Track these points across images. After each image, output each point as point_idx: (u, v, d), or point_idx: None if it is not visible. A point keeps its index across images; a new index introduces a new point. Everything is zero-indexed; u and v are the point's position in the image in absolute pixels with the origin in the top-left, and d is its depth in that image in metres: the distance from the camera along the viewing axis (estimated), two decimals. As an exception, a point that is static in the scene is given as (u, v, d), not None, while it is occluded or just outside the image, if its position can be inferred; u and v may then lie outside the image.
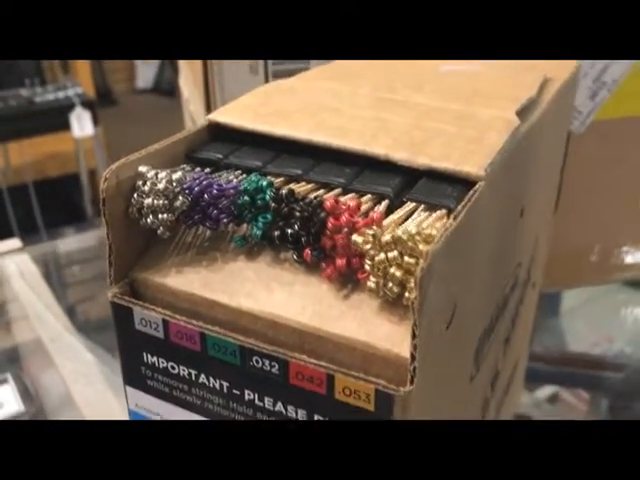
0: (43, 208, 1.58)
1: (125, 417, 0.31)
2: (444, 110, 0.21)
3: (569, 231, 0.43)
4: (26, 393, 0.53)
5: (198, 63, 0.34)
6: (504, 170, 0.19)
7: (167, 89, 2.32)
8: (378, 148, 0.18)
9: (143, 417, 0.20)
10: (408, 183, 0.18)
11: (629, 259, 0.46)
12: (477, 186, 0.17)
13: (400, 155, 0.18)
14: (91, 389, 0.38)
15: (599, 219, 0.44)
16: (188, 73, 0.44)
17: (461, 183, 0.17)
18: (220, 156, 0.20)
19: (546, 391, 0.64)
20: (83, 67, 1.75)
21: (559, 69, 0.27)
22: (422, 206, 0.17)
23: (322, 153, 0.19)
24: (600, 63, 0.38)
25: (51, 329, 0.42)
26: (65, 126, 1.46)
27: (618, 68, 0.39)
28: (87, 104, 1.49)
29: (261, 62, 0.32)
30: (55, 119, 1.46)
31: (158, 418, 0.20)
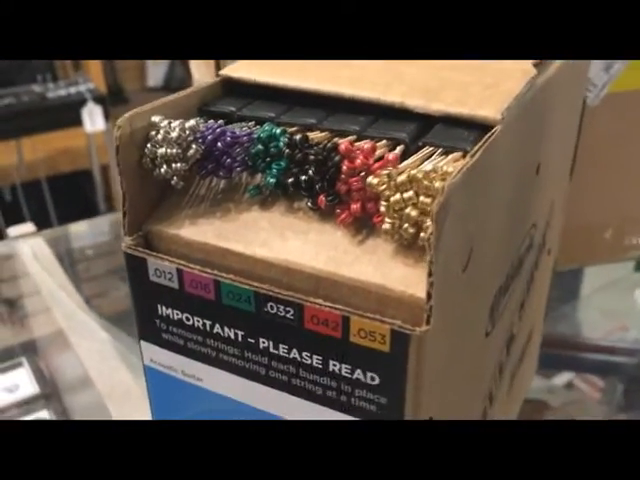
0: (56, 203, 1.59)
1: (140, 392, 0.31)
2: (459, 64, 0.21)
3: (584, 207, 0.43)
4: (41, 376, 0.53)
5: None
6: (521, 118, 0.19)
7: (177, 87, 2.32)
8: (392, 96, 0.18)
9: (158, 372, 0.20)
10: (424, 129, 0.18)
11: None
12: (495, 129, 0.17)
13: (415, 102, 0.18)
14: (106, 366, 0.38)
15: (614, 195, 0.43)
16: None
17: (478, 128, 0.17)
18: (233, 109, 0.20)
19: (562, 378, 0.63)
20: (94, 65, 1.75)
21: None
22: (438, 150, 0.17)
23: (335, 104, 0.19)
24: (615, 33, 0.38)
25: (66, 308, 0.42)
26: (77, 122, 1.46)
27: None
28: (99, 99, 1.50)
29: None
30: (67, 114, 1.46)
31: (173, 373, 0.19)
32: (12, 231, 0.53)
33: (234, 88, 0.20)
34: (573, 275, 0.66)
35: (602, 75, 0.39)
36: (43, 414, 0.51)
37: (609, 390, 0.62)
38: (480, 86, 0.18)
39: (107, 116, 1.51)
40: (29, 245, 0.51)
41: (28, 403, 0.52)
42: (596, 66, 0.39)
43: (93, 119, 1.48)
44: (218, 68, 0.38)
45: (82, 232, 0.73)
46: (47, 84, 1.50)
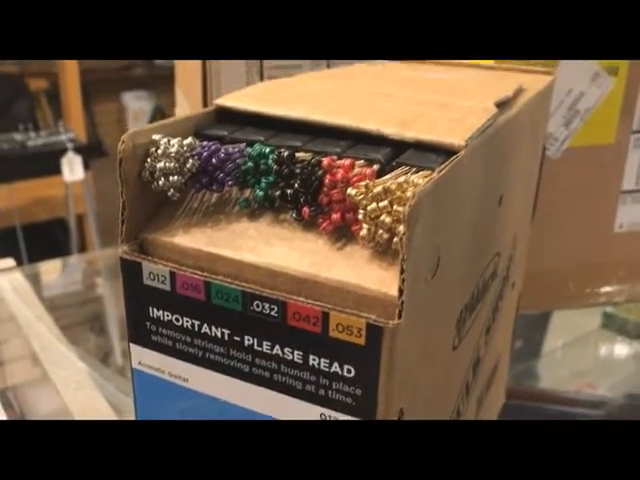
0: (30, 251, 1.58)
1: (112, 415, 0.32)
2: (429, 101, 0.23)
3: (545, 254, 0.45)
4: (9, 405, 0.53)
5: (196, 76, 0.37)
6: (483, 147, 0.21)
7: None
8: (370, 124, 0.20)
9: (146, 374, 0.21)
10: (397, 153, 0.20)
11: (603, 284, 0.48)
12: (458, 154, 0.19)
13: (390, 130, 0.20)
14: (82, 395, 0.38)
15: (574, 243, 0.46)
16: (182, 100, 0.47)
17: (445, 153, 0.19)
18: (226, 133, 0.22)
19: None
20: (75, 115, 1.78)
21: (534, 81, 0.30)
22: (410, 170, 0.19)
23: (319, 130, 0.21)
24: (575, 91, 0.41)
25: (43, 338, 0.43)
26: (56, 170, 1.48)
27: (591, 97, 0.42)
28: (79, 149, 1.52)
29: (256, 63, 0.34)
30: (47, 163, 1.48)
31: (160, 374, 0.21)
32: (-7, 266, 0.54)
33: (226, 116, 0.22)
34: (538, 330, 0.68)
35: (562, 130, 0.42)
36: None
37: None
38: (447, 120, 0.21)
39: (86, 166, 1.52)
40: (9, 280, 0.52)
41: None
42: (556, 121, 0.42)
43: (72, 168, 1.50)
44: (205, 105, 0.40)
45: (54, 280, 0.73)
46: (29, 133, 1.52)
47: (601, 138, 0.43)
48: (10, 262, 0.54)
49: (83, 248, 1.78)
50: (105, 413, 0.37)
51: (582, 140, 0.43)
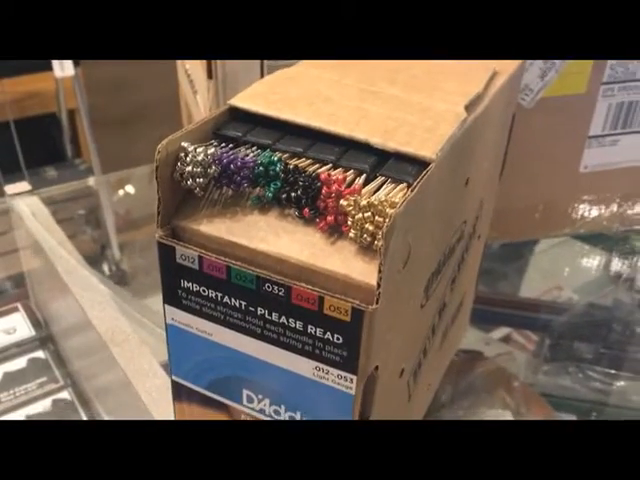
0: (23, 146, 1.60)
1: (139, 340, 0.38)
2: (410, 102, 0.27)
3: (518, 191, 0.50)
4: (36, 320, 0.59)
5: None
6: (451, 153, 0.26)
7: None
8: (360, 134, 0.25)
9: (177, 328, 0.27)
10: (381, 160, 0.25)
11: (568, 217, 0.54)
12: (429, 167, 0.23)
13: (375, 140, 0.25)
14: (107, 314, 0.44)
15: (543, 181, 0.51)
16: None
17: (419, 163, 0.24)
18: (239, 134, 0.26)
19: (500, 332, 0.72)
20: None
21: (508, 62, 0.34)
22: (389, 179, 0.24)
23: (317, 134, 0.25)
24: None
25: (67, 264, 0.48)
26: (47, 67, 1.47)
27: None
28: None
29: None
30: (37, 60, 1.47)
31: (189, 329, 0.26)
32: (9, 189, 0.58)
33: (239, 115, 0.27)
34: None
35: (538, 82, 0.46)
36: (39, 354, 0.58)
37: (539, 344, 0.71)
38: (422, 129, 0.25)
39: (77, 62, 1.51)
40: (26, 203, 0.56)
41: (24, 344, 0.58)
42: (532, 73, 0.46)
43: (62, 65, 1.49)
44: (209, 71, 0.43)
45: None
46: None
47: (573, 88, 0.47)
48: (25, 185, 0.58)
49: (75, 141, 1.79)
50: (125, 329, 0.43)
51: (555, 90, 0.47)
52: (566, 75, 0.46)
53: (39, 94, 1.68)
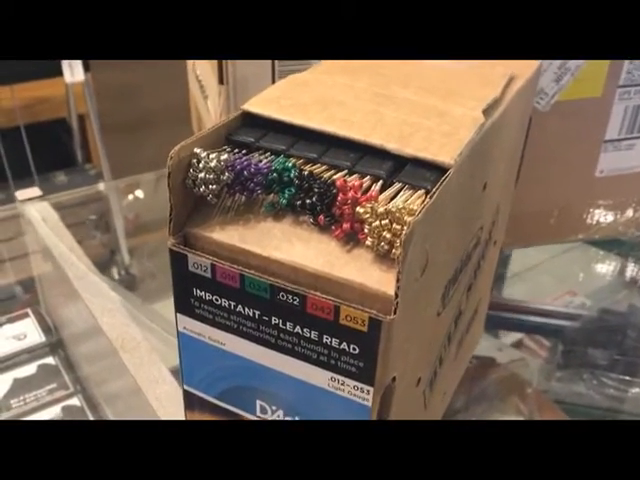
0: (34, 151, 1.60)
1: (149, 346, 0.38)
2: (426, 106, 0.27)
3: (533, 196, 0.50)
4: (46, 326, 0.59)
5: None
6: (470, 158, 0.25)
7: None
8: (375, 139, 0.24)
9: (189, 337, 0.26)
10: (398, 166, 0.24)
11: (583, 222, 0.53)
12: (448, 172, 0.23)
13: (392, 145, 0.24)
14: (117, 320, 0.44)
15: (558, 186, 0.50)
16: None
17: (437, 169, 0.23)
18: (252, 139, 0.25)
19: (512, 337, 0.71)
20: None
21: (524, 66, 0.33)
22: (407, 186, 0.23)
23: (332, 139, 0.25)
24: (564, 53, 0.44)
25: (77, 269, 0.48)
26: (57, 72, 1.48)
27: (580, 57, 0.44)
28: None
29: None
30: (47, 65, 1.47)
31: (201, 338, 0.26)
32: (20, 194, 0.58)
33: (252, 120, 0.26)
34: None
35: (553, 85, 0.45)
36: (49, 360, 0.58)
37: (552, 350, 0.70)
38: (440, 134, 0.25)
39: (86, 68, 1.52)
40: (36, 209, 0.56)
41: (34, 350, 0.58)
42: (548, 77, 0.45)
43: (73, 70, 1.49)
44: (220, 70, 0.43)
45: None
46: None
47: (589, 92, 0.46)
48: (36, 191, 0.58)
49: (85, 147, 1.80)
50: (135, 336, 0.43)
51: (570, 94, 0.46)
52: (581, 79, 0.46)
53: (49, 99, 1.68)
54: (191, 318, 0.25)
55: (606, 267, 0.76)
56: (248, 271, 0.23)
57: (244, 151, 0.25)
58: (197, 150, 0.24)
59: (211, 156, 0.24)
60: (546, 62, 0.45)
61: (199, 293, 0.25)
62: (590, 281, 0.78)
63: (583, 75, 0.45)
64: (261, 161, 0.24)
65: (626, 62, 0.45)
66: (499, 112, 0.28)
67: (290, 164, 0.24)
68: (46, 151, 1.69)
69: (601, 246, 0.74)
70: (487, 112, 0.27)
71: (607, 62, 0.45)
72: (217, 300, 0.24)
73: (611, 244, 0.71)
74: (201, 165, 0.23)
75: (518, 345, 0.70)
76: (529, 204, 0.50)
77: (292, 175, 0.23)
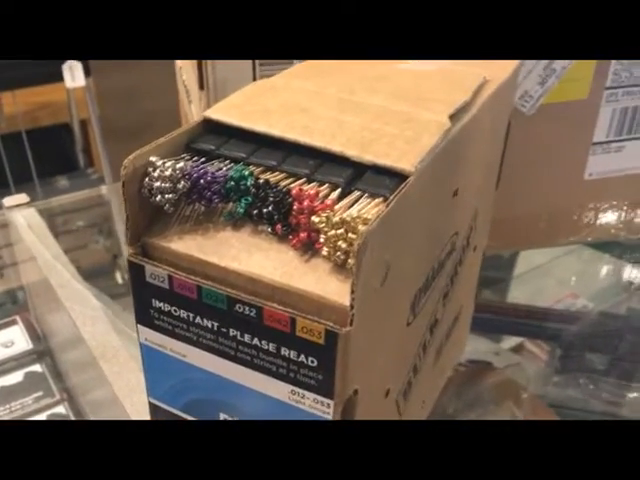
0: (36, 156, 1.61)
1: (128, 355, 0.37)
2: (392, 112, 0.26)
3: (521, 200, 0.49)
4: (34, 334, 0.59)
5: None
6: (434, 164, 0.24)
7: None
8: (335, 146, 0.24)
9: (151, 348, 0.26)
10: (359, 174, 0.23)
11: (574, 226, 0.52)
12: (407, 180, 0.22)
13: (352, 152, 0.23)
14: (98, 329, 0.43)
15: (547, 189, 0.49)
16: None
17: (398, 176, 0.23)
18: (213, 147, 0.25)
19: (513, 341, 0.70)
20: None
21: (500, 69, 0.32)
22: (366, 194, 0.23)
23: (292, 146, 0.24)
24: (548, 54, 0.43)
25: (60, 277, 0.48)
26: (57, 77, 1.48)
27: (565, 58, 0.44)
28: (79, 55, 1.50)
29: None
30: (48, 70, 1.48)
31: (162, 349, 0.25)
32: (7, 201, 0.58)
33: (214, 127, 0.26)
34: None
35: (538, 88, 0.45)
36: (36, 368, 0.57)
37: (550, 354, 0.69)
38: (402, 140, 0.24)
39: (87, 72, 1.52)
40: (23, 215, 0.56)
41: (22, 358, 0.58)
42: (532, 80, 0.44)
43: (73, 74, 1.50)
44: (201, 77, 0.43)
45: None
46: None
47: (575, 94, 0.46)
48: (24, 197, 0.58)
49: (87, 151, 1.81)
50: (115, 345, 0.43)
51: (556, 96, 0.45)
52: (567, 81, 0.45)
53: (51, 105, 1.69)
54: (151, 329, 0.25)
55: (605, 269, 0.75)
56: (205, 282, 0.23)
57: (203, 159, 0.24)
58: (153, 158, 0.23)
59: (167, 164, 0.23)
60: (530, 64, 0.44)
61: (158, 304, 0.24)
62: (592, 283, 0.77)
63: (568, 77, 0.45)
64: (220, 169, 0.24)
65: (613, 63, 0.45)
66: (470, 116, 0.27)
67: (247, 172, 0.23)
68: (48, 156, 1.69)
69: (599, 248, 0.73)
70: (455, 116, 0.26)
71: (593, 63, 0.44)
72: (175, 311, 0.24)
73: (608, 246, 0.70)
74: (156, 174, 0.23)
75: (519, 348, 0.69)
76: (518, 208, 0.49)
77: (249, 184, 0.23)
